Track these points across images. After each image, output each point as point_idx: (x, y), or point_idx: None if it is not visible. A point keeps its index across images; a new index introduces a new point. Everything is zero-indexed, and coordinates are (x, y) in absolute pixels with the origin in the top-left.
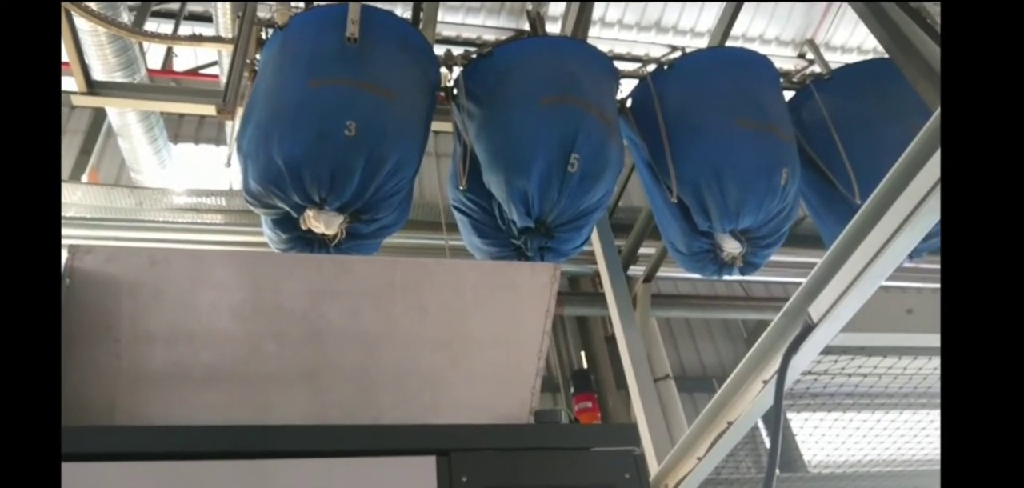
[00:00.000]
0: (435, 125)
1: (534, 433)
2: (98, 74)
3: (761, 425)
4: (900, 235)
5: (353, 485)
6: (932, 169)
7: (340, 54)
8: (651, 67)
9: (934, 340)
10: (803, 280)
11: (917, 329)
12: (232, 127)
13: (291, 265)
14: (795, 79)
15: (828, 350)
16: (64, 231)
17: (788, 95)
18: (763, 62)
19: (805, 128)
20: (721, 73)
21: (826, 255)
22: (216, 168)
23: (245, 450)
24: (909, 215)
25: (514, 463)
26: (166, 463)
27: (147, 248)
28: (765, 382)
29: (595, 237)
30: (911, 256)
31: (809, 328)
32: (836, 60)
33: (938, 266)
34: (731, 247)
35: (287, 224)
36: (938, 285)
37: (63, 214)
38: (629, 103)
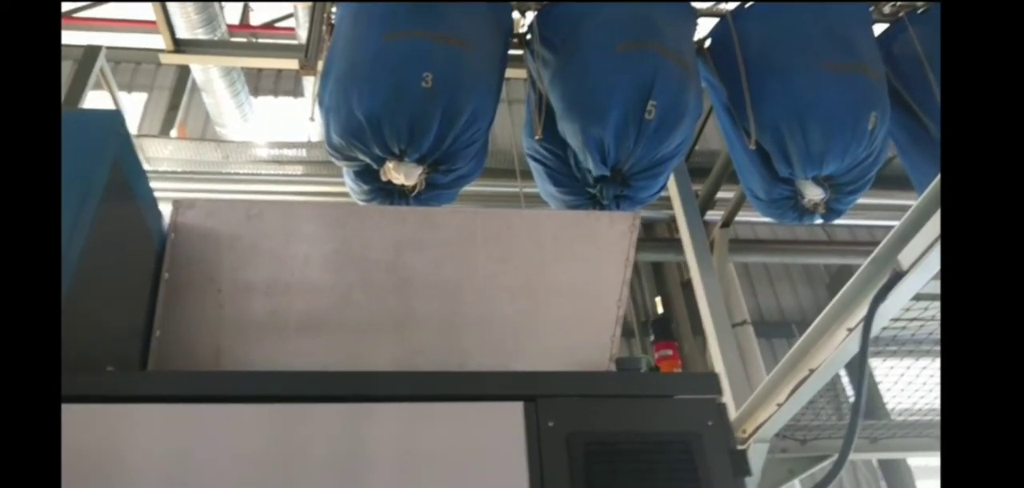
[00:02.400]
0: (507, 72)
1: (618, 380)
2: (182, 32)
3: (842, 372)
4: None
5: (446, 427)
6: None
7: (414, 6)
8: (731, 4)
9: None
10: (890, 223)
11: None
12: (314, 82)
13: (377, 218)
14: (886, 10)
15: (917, 296)
16: (158, 185)
17: (880, 28)
18: None
19: (896, 64)
20: (807, 10)
21: (918, 200)
22: (295, 119)
23: (345, 394)
24: None
25: (598, 409)
26: (270, 406)
27: (243, 202)
28: (850, 329)
29: (672, 182)
30: None
31: (898, 275)
32: None
33: None
34: (813, 194)
35: (368, 175)
36: None
37: (156, 168)
38: (707, 43)
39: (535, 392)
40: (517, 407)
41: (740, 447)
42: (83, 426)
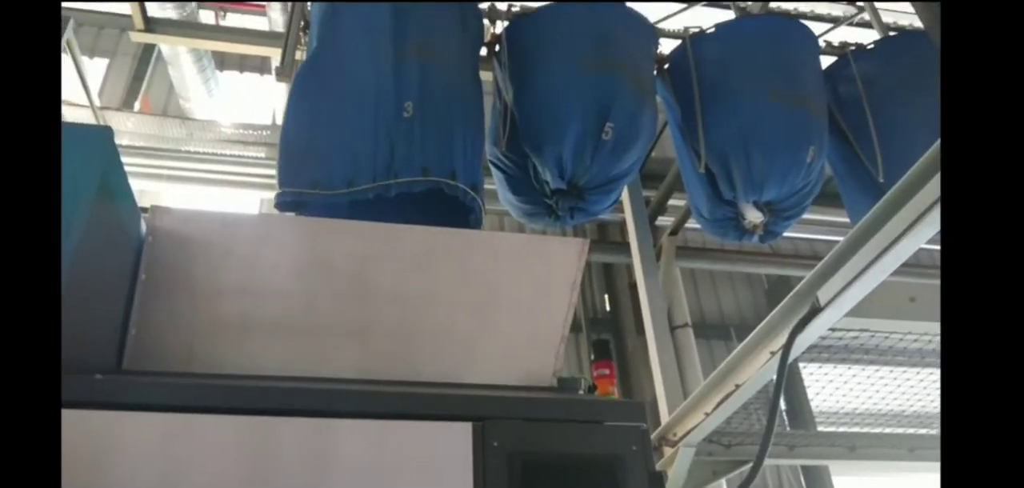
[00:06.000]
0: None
1: (558, 405)
2: (152, 7)
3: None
4: (909, 234)
5: (403, 444)
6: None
7: (394, 7)
8: (693, 27)
9: (935, 328)
10: (830, 238)
11: (919, 317)
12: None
13: (343, 231)
14: (835, 44)
15: (833, 329)
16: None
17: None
18: (805, 33)
19: (838, 97)
20: (760, 43)
21: (838, 245)
22: (259, 97)
23: (307, 409)
24: (920, 216)
25: (538, 431)
26: (245, 418)
27: (218, 212)
28: (772, 353)
29: (625, 190)
30: None
31: (816, 310)
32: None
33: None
34: (753, 216)
35: None
36: (939, 277)
37: (118, 142)
38: (667, 65)
39: (483, 413)
40: (467, 427)
41: (668, 451)
42: (73, 431)
